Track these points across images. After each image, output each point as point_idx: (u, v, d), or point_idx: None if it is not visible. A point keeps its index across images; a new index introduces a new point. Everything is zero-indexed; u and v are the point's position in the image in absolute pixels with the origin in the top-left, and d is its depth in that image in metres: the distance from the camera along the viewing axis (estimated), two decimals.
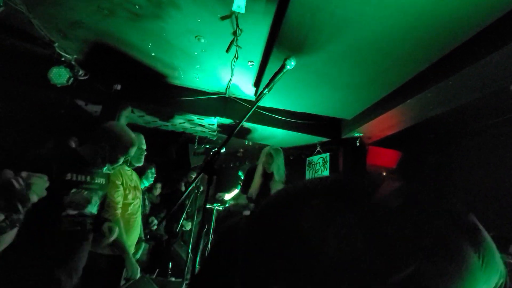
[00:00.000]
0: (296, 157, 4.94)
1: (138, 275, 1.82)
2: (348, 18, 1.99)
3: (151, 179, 3.68)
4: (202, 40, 2.72)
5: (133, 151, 1.74)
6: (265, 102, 3.77)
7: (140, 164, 2.17)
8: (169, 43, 2.85)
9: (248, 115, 1.27)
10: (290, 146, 4.88)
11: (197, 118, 4.04)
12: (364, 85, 2.84)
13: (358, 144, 3.72)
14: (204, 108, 3.87)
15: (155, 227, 3.63)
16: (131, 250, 2.00)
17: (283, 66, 1.22)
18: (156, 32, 2.68)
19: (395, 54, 2.32)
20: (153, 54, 3.09)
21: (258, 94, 1.29)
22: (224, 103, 3.87)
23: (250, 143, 5.15)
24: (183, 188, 5.20)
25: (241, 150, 6.29)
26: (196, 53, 2.98)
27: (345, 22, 2.02)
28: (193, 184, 1.38)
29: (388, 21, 1.95)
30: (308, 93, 3.21)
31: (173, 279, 3.47)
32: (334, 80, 2.80)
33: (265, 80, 3.12)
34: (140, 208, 2.13)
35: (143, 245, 2.16)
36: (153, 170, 3.77)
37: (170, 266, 3.67)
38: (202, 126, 4.40)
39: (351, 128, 3.72)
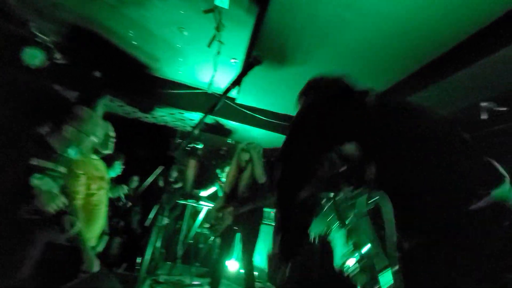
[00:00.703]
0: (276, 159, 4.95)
1: (96, 269, 1.76)
2: (331, 23, 2.01)
3: (119, 170, 3.56)
4: (185, 33, 2.68)
5: (98, 135, 1.72)
6: (248, 101, 3.77)
7: (109, 152, 2.10)
8: (151, 33, 2.78)
9: (216, 108, 1.25)
10: (272, 147, 4.89)
11: (178, 113, 3.98)
12: None
13: None
14: (185, 102, 3.81)
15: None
16: (92, 242, 1.93)
17: (251, 63, 1.21)
18: (138, 20, 2.61)
19: (375, 62, 2.37)
20: (134, 43, 3.01)
21: (226, 89, 1.27)
22: (206, 99, 3.83)
23: (233, 141, 5.12)
24: (161, 183, 5.11)
25: (224, 148, 6.24)
26: (179, 46, 2.93)
27: (327, 27, 2.04)
28: (150, 178, 1.34)
29: (368, 29, 1.99)
30: (291, 95, 3.21)
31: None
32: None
33: (247, 79, 3.10)
34: (106, 200, 2.06)
35: (106, 238, 2.08)
36: (121, 161, 3.65)
37: (139, 261, 3.59)
38: (183, 120, 4.33)
39: None
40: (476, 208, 0.68)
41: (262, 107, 3.85)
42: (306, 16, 1.98)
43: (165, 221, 4.07)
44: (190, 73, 3.52)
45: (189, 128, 4.73)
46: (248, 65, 1.23)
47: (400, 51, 2.17)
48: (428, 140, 0.75)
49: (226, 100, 3.90)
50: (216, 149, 6.35)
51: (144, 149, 5.26)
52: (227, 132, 4.66)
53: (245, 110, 3.86)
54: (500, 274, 0.66)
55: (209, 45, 2.51)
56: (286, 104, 3.53)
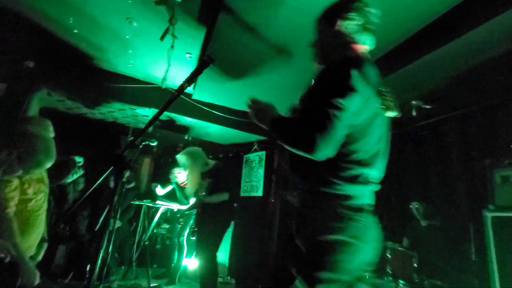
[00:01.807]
0: (234, 154, 4.99)
1: (36, 281, 1.60)
2: (280, 25, 2.09)
3: (80, 172, 3.26)
4: (135, 24, 2.53)
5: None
6: (205, 97, 3.72)
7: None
8: (95, 21, 2.56)
9: (167, 106, 1.23)
10: (229, 143, 4.92)
11: (130, 108, 3.74)
12: (296, 89, 3.03)
13: None
14: (137, 97, 3.60)
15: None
16: (30, 252, 1.75)
17: (204, 62, 1.21)
18: (78, 6, 2.38)
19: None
20: (75, 31, 2.73)
21: (179, 87, 1.26)
22: (160, 94, 3.67)
23: (190, 138, 5.01)
24: (112, 184, 4.77)
25: (180, 145, 6.06)
26: (128, 37, 2.75)
27: (280, 28, 2.13)
28: (100, 180, 1.26)
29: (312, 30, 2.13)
30: (246, 91, 3.27)
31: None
32: (268, 81, 2.92)
33: (204, 75, 3.06)
34: (45, 204, 1.87)
35: (45, 245, 1.90)
36: (73, 162, 3.33)
37: (88, 268, 3.32)
38: (136, 117, 4.09)
39: None
40: None
41: (219, 103, 3.83)
42: (261, 16, 2.03)
43: (118, 224, 3.83)
44: (142, 67, 3.33)
45: (142, 125, 4.48)
46: (201, 64, 1.23)
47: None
48: None
49: (182, 96, 3.79)
50: (173, 146, 6.14)
51: (90, 148, 4.83)
52: (183, 129, 4.54)
53: (202, 106, 3.80)
54: None
55: (162, 38, 2.41)
56: (243, 100, 3.58)
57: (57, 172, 2.37)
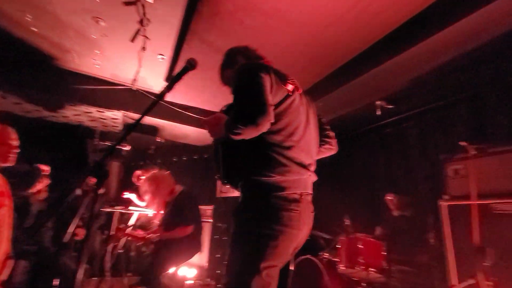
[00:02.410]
0: (210, 156, 4.96)
1: None
2: (255, 27, 2.14)
3: (46, 182, 3.02)
4: (102, 23, 2.41)
5: None
6: (178, 98, 3.66)
7: (9, 164, 1.76)
8: (57, 19, 2.40)
9: (147, 111, 1.21)
10: (204, 144, 4.87)
11: (97, 111, 3.55)
12: None
13: None
14: (105, 99, 3.43)
15: None
16: None
17: (185, 68, 1.22)
18: (37, 3, 2.22)
19: (296, 66, 2.64)
20: (34, 29, 2.53)
21: (160, 93, 1.26)
22: (131, 96, 3.53)
23: (163, 140, 4.87)
24: (79, 192, 4.49)
25: (152, 147, 5.86)
26: (94, 37, 2.61)
27: (253, 31, 2.18)
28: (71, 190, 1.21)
29: (288, 35, 2.21)
30: (220, 92, 3.26)
31: None
32: None
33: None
34: (8, 218, 1.73)
35: (11, 263, 1.76)
36: (39, 171, 3.08)
37: (57, 282, 3.11)
38: (104, 120, 3.89)
39: None
40: None
41: (193, 105, 3.78)
42: (233, 19, 2.06)
43: (87, 233, 3.62)
44: (110, 68, 3.18)
45: (111, 128, 4.27)
46: (183, 69, 1.24)
47: (313, 57, 2.48)
48: None
49: (154, 97, 3.69)
50: (144, 148, 5.92)
51: (52, 154, 4.49)
52: (155, 131, 4.40)
53: (175, 108, 3.73)
54: None
55: (133, 39, 2.34)
56: (217, 102, 3.57)
57: (22, 183, 2.20)
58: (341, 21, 2.00)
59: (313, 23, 2.04)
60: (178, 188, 2.60)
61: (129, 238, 2.40)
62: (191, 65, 1.26)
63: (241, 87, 1.14)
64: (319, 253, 2.73)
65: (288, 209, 1.02)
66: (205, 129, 1.21)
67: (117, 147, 3.14)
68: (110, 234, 3.90)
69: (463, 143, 1.78)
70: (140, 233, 2.64)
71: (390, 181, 3.23)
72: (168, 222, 2.37)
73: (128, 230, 2.54)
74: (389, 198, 2.79)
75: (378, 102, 3.12)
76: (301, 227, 1.06)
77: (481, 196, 1.63)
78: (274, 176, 1.04)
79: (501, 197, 1.56)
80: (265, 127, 1.02)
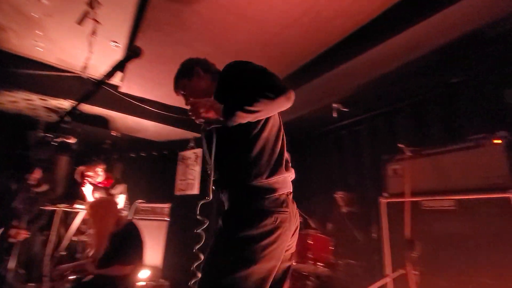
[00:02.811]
0: (170, 152, 4.79)
1: None
2: (214, 22, 2.11)
3: None
4: (45, 1, 2.18)
5: None
6: (135, 91, 3.46)
7: None
8: None
9: (85, 99, 1.12)
10: (163, 140, 4.68)
11: (40, 99, 3.21)
12: None
13: None
14: (51, 86, 3.12)
15: None
16: None
17: (128, 55, 1.14)
18: None
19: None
20: None
21: (99, 80, 1.16)
22: (80, 84, 3.25)
23: (118, 134, 4.57)
24: (14, 186, 4.02)
25: (107, 141, 5.48)
26: (36, 16, 2.36)
27: (211, 24, 2.14)
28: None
29: (249, 33, 2.21)
30: None
31: None
32: None
33: (132, 67, 2.85)
34: None
35: None
36: None
37: None
38: (48, 109, 3.53)
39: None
40: None
41: (151, 98, 3.61)
42: (192, 11, 2.00)
43: (23, 235, 3.26)
44: (56, 52, 2.89)
45: (56, 119, 3.89)
46: (126, 57, 1.16)
47: (272, 58, 2.51)
48: None
49: (108, 88, 3.44)
50: (98, 143, 5.50)
51: None
52: (110, 124, 4.12)
53: (131, 100, 3.52)
54: None
55: (80, 22, 2.15)
56: (177, 97, 3.44)
57: None
58: (298, 24, 2.05)
59: (271, 23, 2.07)
60: (124, 218, 2.28)
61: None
62: (135, 53, 1.19)
63: (254, 69, 1.13)
64: None
65: (280, 211, 1.01)
66: (193, 109, 1.07)
67: (61, 139, 2.87)
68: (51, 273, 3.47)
69: (401, 145, 1.95)
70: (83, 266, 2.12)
71: (343, 180, 3.42)
72: (108, 257, 2.01)
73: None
74: (339, 195, 2.96)
75: (334, 105, 3.28)
76: (291, 227, 1.05)
77: (413, 194, 1.80)
78: (267, 178, 1.03)
79: (430, 195, 1.74)
80: (291, 102, 1.05)
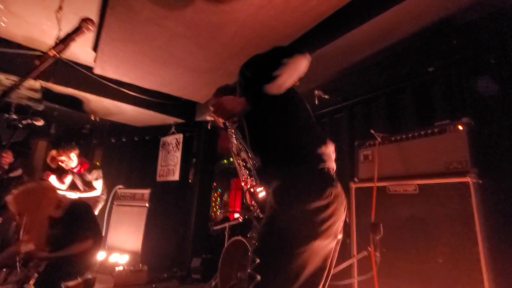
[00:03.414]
0: (151, 137, 4.70)
1: None
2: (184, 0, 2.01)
3: None
4: None
5: None
6: (110, 73, 3.32)
7: None
8: None
9: (33, 74, 1.05)
10: (144, 125, 4.58)
11: (6, 78, 3.05)
12: (211, 71, 3.02)
13: (209, 127, 3.96)
14: (18, 66, 2.96)
15: None
16: None
17: (78, 26, 1.08)
18: None
19: (231, 46, 2.57)
20: None
21: (47, 51, 1.09)
22: (52, 64, 3.09)
23: (98, 118, 4.43)
24: None
25: (87, 126, 5.33)
26: None
27: (181, 1, 2.04)
28: None
29: (221, 13, 2.12)
30: (157, 70, 3.07)
31: None
32: (180, 60, 2.81)
33: (105, 46, 2.73)
34: None
35: None
36: None
37: None
38: (18, 90, 3.37)
39: (203, 112, 3.90)
40: None
41: (127, 81, 3.48)
42: None
43: None
44: (22, 29, 2.72)
45: (29, 101, 3.73)
46: (75, 28, 1.09)
47: (248, 41, 2.44)
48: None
49: (82, 69, 3.30)
50: (77, 127, 5.34)
51: None
52: (85, 105, 3.96)
53: (106, 82, 3.40)
54: None
55: None
56: (152, 79, 3.34)
57: None
58: (272, 4, 1.99)
59: (246, 2, 2.00)
60: (66, 200, 2.15)
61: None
62: (84, 24, 1.12)
63: (262, 53, 1.14)
64: (248, 234, 2.82)
65: (332, 184, 0.97)
66: (219, 108, 1.05)
67: (28, 121, 2.72)
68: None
69: (372, 131, 1.96)
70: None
71: None
72: (60, 240, 1.95)
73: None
74: None
75: (316, 92, 3.26)
76: (344, 203, 1.01)
77: (381, 179, 1.83)
78: (314, 150, 1.02)
79: (395, 180, 1.77)
80: (308, 59, 1.08)
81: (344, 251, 2.39)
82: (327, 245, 0.94)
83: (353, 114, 3.19)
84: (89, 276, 2.11)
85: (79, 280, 1.97)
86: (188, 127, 4.30)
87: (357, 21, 1.99)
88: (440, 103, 2.32)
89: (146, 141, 4.76)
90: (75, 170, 3.26)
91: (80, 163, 3.26)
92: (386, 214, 1.77)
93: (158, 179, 4.34)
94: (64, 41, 1.14)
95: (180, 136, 4.20)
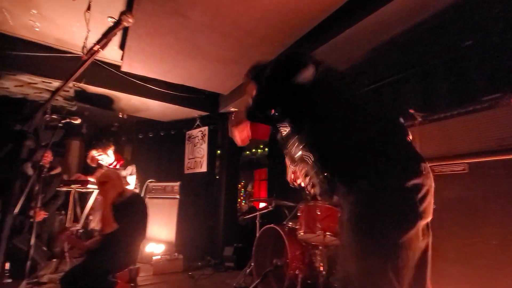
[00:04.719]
0: (177, 132, 4.80)
1: None
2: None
3: None
4: None
5: None
6: (137, 69, 3.40)
7: None
8: None
9: (77, 74, 1.08)
10: (170, 120, 4.68)
11: (42, 81, 3.21)
12: (235, 61, 3.00)
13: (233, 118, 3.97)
14: (51, 68, 3.10)
15: None
16: None
17: (119, 22, 1.09)
18: None
19: (256, 34, 2.53)
20: None
21: (88, 49, 1.11)
22: (82, 65, 3.21)
23: (125, 115, 4.59)
24: (30, 171, 4.16)
25: (115, 124, 5.53)
26: None
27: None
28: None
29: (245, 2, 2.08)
30: (183, 63, 3.10)
31: (10, 280, 2.80)
32: (204, 51, 2.81)
33: (132, 43, 2.78)
34: None
35: None
36: None
37: (8, 266, 2.93)
38: (52, 91, 3.54)
39: (227, 103, 3.91)
40: None
41: (153, 76, 3.55)
42: None
43: (42, 215, 3.42)
44: (54, 32, 2.84)
45: (62, 102, 3.92)
46: (115, 23, 1.10)
47: (273, 24, 2.39)
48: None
49: (109, 68, 3.40)
50: (106, 126, 5.56)
51: None
52: (116, 105, 4.12)
53: (134, 80, 3.48)
54: None
55: None
56: (178, 72, 3.38)
57: None
58: None
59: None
60: (127, 190, 2.24)
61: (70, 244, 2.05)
62: (124, 18, 1.13)
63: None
64: (283, 222, 2.84)
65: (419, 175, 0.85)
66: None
67: (67, 121, 2.85)
68: (57, 234, 3.69)
69: (411, 111, 1.87)
70: (82, 242, 2.25)
71: None
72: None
73: (71, 234, 2.14)
74: None
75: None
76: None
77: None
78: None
79: (441, 160, 1.68)
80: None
81: None
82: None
83: (381, 95, 3.06)
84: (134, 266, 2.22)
85: (126, 270, 2.07)
86: (212, 119, 4.34)
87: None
88: (479, 78, 2.16)
89: (172, 135, 4.88)
90: (112, 166, 3.42)
91: (117, 159, 3.41)
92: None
93: (186, 171, 4.46)
94: (106, 36, 1.17)
95: (205, 129, 4.25)
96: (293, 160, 1.22)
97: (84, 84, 3.33)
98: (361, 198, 0.85)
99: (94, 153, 3.32)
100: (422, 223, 0.83)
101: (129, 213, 2.06)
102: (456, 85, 2.36)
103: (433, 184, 0.88)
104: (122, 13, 1.19)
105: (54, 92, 1.25)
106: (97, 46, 1.17)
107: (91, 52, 1.17)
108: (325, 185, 1.02)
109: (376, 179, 0.83)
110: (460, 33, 2.33)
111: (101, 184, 2.15)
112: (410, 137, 0.94)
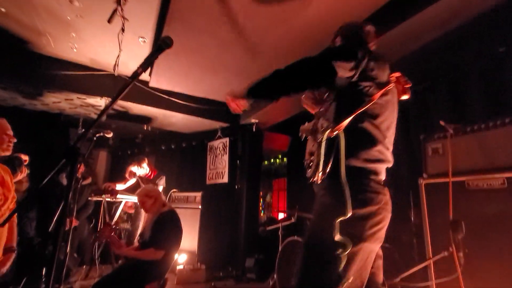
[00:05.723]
0: (198, 143, 4.92)
1: None
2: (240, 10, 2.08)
3: (26, 172, 2.94)
4: (76, 4, 2.29)
5: None
6: (163, 84, 3.56)
7: (7, 154, 1.72)
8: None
9: (121, 94, 1.16)
10: (191, 131, 4.82)
11: (78, 98, 3.43)
12: (256, 73, 3.06)
13: (254, 129, 4.02)
14: (86, 86, 3.32)
15: None
16: None
17: (159, 46, 1.17)
18: None
19: (279, 48, 2.59)
20: (2, 9, 2.39)
21: (133, 73, 1.20)
22: (112, 82, 3.42)
23: (149, 127, 4.78)
24: (65, 182, 4.39)
25: (139, 135, 5.76)
26: (69, 18, 2.49)
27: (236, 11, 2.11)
28: (49, 176, 1.10)
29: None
30: (206, 77, 3.22)
31: (44, 286, 2.94)
32: (228, 66, 2.90)
33: (160, 61, 2.93)
34: (9, 211, 1.69)
35: (12, 256, 1.73)
36: (20, 160, 2.99)
37: (43, 272, 3.09)
38: (86, 107, 3.77)
39: (248, 115, 3.98)
40: None
41: (178, 91, 3.70)
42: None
43: (73, 223, 3.58)
44: (89, 52, 3.05)
45: (94, 116, 4.16)
46: (157, 48, 1.18)
47: (303, 37, 2.42)
48: None
49: (139, 84, 3.59)
50: (131, 137, 5.81)
51: (32, 143, 4.35)
52: (142, 119, 4.32)
53: (160, 94, 3.65)
54: None
55: (110, 20, 2.24)
56: (202, 88, 3.50)
57: None
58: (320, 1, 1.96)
59: (295, 3, 2.00)
60: (166, 206, 2.35)
61: (109, 240, 2.18)
62: (165, 43, 1.21)
63: None
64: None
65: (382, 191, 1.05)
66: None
67: (100, 134, 3.04)
68: (98, 230, 3.88)
69: (442, 123, 1.82)
70: (120, 242, 2.33)
71: None
72: (147, 241, 2.14)
73: (113, 231, 2.28)
74: None
75: None
76: (390, 210, 1.08)
77: (456, 174, 1.69)
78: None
79: (475, 174, 1.62)
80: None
81: (413, 253, 2.25)
82: (373, 249, 1.02)
83: (407, 105, 2.99)
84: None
85: (158, 283, 2.12)
86: (233, 131, 4.42)
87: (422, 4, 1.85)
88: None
89: (193, 146, 5.01)
90: (147, 176, 3.62)
91: (151, 170, 3.62)
92: (466, 211, 1.63)
93: (208, 182, 4.53)
94: (150, 60, 1.26)
95: (226, 140, 4.33)
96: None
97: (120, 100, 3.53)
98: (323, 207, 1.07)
99: (132, 167, 3.53)
100: (373, 245, 1.02)
101: (163, 229, 2.12)
102: (491, 93, 2.27)
103: (388, 215, 1.07)
104: (163, 39, 1.28)
105: (103, 111, 1.35)
106: (140, 70, 1.27)
107: (136, 74, 1.26)
108: (317, 170, 1.09)
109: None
110: (494, 39, 2.25)
111: (147, 197, 2.27)
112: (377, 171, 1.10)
